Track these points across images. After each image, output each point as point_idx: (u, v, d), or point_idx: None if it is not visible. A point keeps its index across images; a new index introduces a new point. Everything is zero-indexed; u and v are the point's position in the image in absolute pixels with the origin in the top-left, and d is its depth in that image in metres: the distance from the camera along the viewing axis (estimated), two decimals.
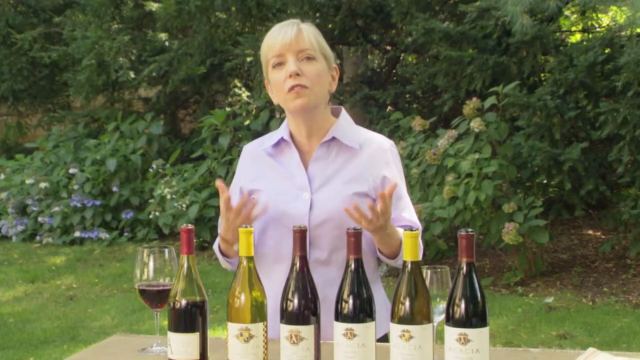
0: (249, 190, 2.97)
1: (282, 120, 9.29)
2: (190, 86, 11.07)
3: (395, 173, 2.96)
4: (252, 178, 3.00)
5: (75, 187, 10.47)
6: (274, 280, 2.66)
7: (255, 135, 9.06)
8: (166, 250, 2.65)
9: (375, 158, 2.95)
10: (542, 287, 7.78)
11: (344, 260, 2.44)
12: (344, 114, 3.04)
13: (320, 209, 2.88)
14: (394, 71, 10.93)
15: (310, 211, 2.88)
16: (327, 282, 2.67)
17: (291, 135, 2.99)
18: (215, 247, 3.00)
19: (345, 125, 2.99)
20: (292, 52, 2.87)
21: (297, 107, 2.89)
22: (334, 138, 2.95)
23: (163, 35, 11.03)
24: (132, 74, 10.70)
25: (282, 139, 2.99)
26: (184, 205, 9.53)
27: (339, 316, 2.35)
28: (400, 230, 2.75)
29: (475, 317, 2.28)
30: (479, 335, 2.27)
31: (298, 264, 2.42)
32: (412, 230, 2.32)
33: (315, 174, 2.94)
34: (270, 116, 9.76)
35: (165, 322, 2.50)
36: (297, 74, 2.86)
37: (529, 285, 7.83)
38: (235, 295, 2.42)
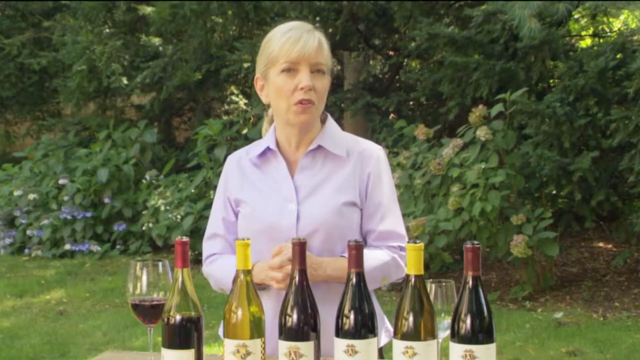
0: (235, 199, 2.96)
1: None
2: (185, 93, 11.31)
3: (382, 178, 2.94)
4: (239, 187, 2.99)
5: (66, 198, 10.54)
6: (262, 297, 2.56)
7: None
8: (160, 264, 2.63)
9: (362, 164, 2.94)
10: (551, 301, 7.75)
11: None
12: (330, 120, 3.02)
13: (308, 220, 2.86)
14: (397, 77, 11.06)
15: (297, 223, 2.87)
16: (318, 297, 2.50)
17: (277, 144, 2.98)
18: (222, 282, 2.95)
19: (331, 132, 2.98)
20: (307, 64, 2.86)
21: (301, 122, 2.89)
22: (319, 146, 2.94)
23: (157, 40, 11.14)
24: (124, 80, 10.82)
25: (268, 149, 2.97)
26: (179, 217, 9.53)
27: (340, 332, 2.32)
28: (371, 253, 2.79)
29: (481, 333, 2.26)
30: (486, 352, 2.25)
31: (297, 278, 2.39)
32: (412, 244, 2.29)
33: (302, 184, 2.93)
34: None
35: (159, 338, 2.48)
36: (310, 89, 2.86)
37: (537, 300, 7.81)
38: (232, 310, 2.41)
